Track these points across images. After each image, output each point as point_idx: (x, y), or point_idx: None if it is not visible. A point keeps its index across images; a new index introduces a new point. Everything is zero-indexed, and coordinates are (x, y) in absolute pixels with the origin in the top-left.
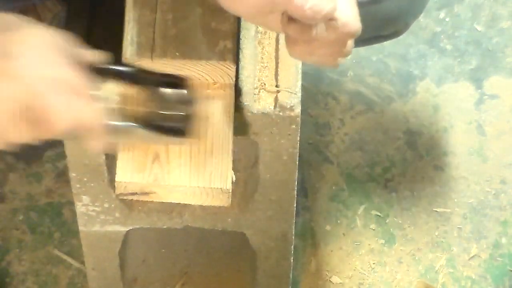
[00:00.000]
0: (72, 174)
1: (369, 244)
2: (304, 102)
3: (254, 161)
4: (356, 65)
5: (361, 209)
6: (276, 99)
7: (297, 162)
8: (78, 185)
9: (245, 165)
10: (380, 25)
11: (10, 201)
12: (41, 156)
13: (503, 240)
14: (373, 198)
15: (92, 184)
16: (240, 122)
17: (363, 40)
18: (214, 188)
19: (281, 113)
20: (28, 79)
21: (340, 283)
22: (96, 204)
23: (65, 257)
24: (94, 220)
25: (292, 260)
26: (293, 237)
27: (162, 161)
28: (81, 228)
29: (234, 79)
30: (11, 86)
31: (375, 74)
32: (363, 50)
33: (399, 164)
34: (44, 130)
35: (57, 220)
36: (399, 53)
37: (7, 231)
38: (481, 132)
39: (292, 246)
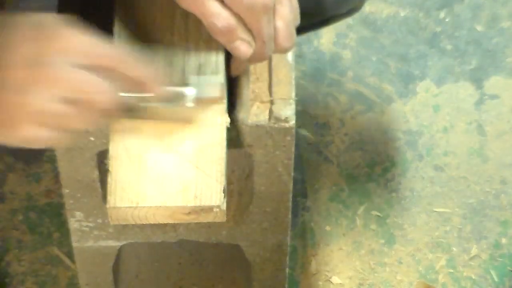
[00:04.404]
0: (65, 191)
1: (369, 245)
2: (304, 102)
3: (248, 172)
4: (356, 65)
5: (361, 209)
6: (270, 111)
7: (292, 174)
8: (71, 201)
9: (239, 177)
10: (335, 4)
11: (10, 201)
12: (41, 156)
13: (503, 241)
14: (373, 198)
15: (86, 200)
16: (234, 134)
17: (321, 21)
18: (205, 206)
19: (276, 125)
20: (65, 78)
21: (340, 283)
22: (89, 219)
23: (64, 257)
24: (88, 235)
25: (287, 272)
26: (288, 248)
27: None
28: (74, 244)
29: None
30: (50, 89)
31: (375, 74)
32: (363, 50)
33: (399, 164)
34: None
35: (56, 220)
36: (399, 53)
37: (7, 231)
38: (481, 132)
39: (288, 258)
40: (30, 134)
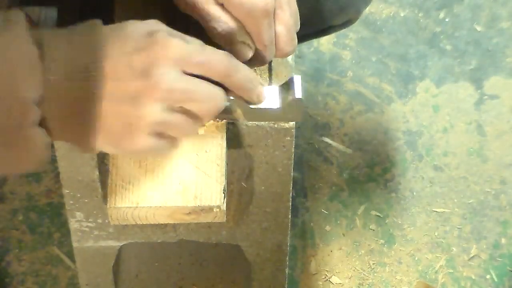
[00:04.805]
0: (66, 191)
1: (368, 245)
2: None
3: (248, 173)
4: (356, 65)
5: (360, 210)
6: None
7: (292, 174)
8: (71, 202)
9: (239, 177)
10: (332, 15)
11: (10, 201)
12: None
13: (503, 241)
14: (373, 198)
15: (86, 200)
16: (235, 134)
17: (318, 31)
18: (205, 206)
19: (275, 125)
20: (177, 88)
21: (340, 283)
22: (89, 220)
23: (64, 257)
24: (88, 236)
25: (287, 272)
26: (288, 248)
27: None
28: (74, 244)
29: None
30: (164, 99)
31: (375, 74)
32: (363, 50)
33: (398, 164)
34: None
35: (56, 220)
36: (399, 53)
37: (7, 231)
38: (481, 132)
39: (288, 258)
40: (147, 145)
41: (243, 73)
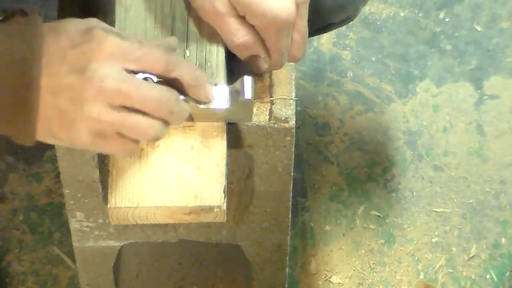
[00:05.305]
0: (66, 191)
1: (368, 244)
2: (304, 102)
3: (248, 173)
4: (355, 65)
5: (360, 209)
6: (270, 111)
7: (292, 174)
8: (72, 202)
9: (239, 177)
10: (331, 12)
11: (10, 201)
12: (41, 156)
13: (503, 241)
14: (373, 198)
15: (86, 200)
16: (235, 135)
17: (316, 30)
18: (205, 206)
19: (276, 125)
20: (117, 86)
21: (340, 283)
22: (90, 219)
23: (65, 257)
24: (88, 235)
25: (287, 272)
26: (288, 248)
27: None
28: (75, 244)
29: None
30: (96, 97)
31: (375, 74)
32: (362, 51)
33: (398, 164)
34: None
35: (57, 220)
36: (399, 53)
37: (7, 231)
38: (481, 132)
39: (288, 258)
40: (88, 141)
41: (186, 69)
